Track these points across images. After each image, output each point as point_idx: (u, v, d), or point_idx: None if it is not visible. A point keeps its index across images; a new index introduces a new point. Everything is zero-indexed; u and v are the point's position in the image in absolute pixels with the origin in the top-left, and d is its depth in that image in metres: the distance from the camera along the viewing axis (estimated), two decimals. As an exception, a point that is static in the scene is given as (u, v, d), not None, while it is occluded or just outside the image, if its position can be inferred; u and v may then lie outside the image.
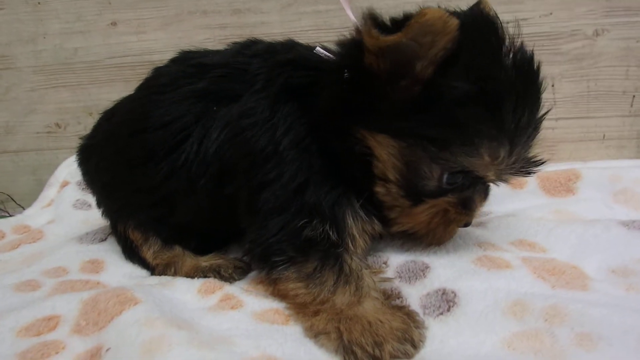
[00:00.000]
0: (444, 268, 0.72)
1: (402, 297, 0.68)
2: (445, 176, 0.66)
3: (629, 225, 0.82)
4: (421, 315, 0.65)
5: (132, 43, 1.40)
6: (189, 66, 0.80)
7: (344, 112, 0.66)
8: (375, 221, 0.72)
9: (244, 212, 0.72)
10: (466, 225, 0.75)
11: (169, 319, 0.55)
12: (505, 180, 0.70)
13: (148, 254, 0.84)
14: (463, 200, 0.69)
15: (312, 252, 0.66)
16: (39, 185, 1.41)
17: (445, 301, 0.66)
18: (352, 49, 0.65)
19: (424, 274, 0.71)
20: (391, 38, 0.56)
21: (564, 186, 1.07)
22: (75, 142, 1.46)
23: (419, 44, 0.56)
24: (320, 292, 0.63)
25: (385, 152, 0.65)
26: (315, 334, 0.61)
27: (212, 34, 1.37)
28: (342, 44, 0.69)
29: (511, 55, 0.62)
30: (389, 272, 0.74)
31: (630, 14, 1.22)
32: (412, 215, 0.70)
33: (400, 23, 0.57)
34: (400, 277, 0.72)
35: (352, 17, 0.72)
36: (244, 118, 0.71)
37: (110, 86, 1.43)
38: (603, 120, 1.31)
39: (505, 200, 1.06)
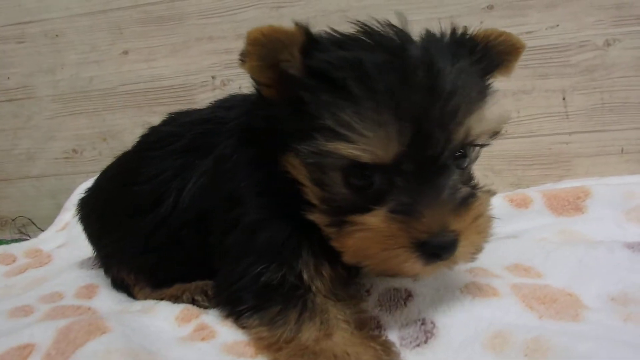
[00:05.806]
0: (427, 297, 0.69)
1: (380, 327, 0.66)
2: (349, 177, 0.56)
3: (634, 247, 0.77)
4: (398, 346, 0.63)
5: (143, 70, 1.46)
6: (175, 126, 0.83)
7: (269, 144, 0.64)
8: (327, 264, 0.66)
9: (217, 258, 0.72)
10: (439, 248, 0.54)
11: (130, 351, 0.55)
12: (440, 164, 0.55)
13: (139, 294, 0.87)
14: (402, 210, 0.53)
15: (273, 296, 0.64)
16: (59, 209, 1.47)
17: (424, 332, 0.63)
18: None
19: (405, 303, 0.69)
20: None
21: (572, 204, 1.02)
22: (92, 167, 1.55)
23: (265, 57, 0.60)
24: (283, 333, 0.61)
25: (301, 174, 0.60)
26: None
27: (218, 59, 1.42)
28: None
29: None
30: (371, 301, 0.72)
31: (642, 22, 1.16)
32: (343, 242, 0.58)
33: None
34: (381, 305, 0.70)
35: None
36: (217, 165, 0.72)
37: (123, 112, 1.50)
38: (620, 133, 1.25)
39: (509, 221, 1.01)
